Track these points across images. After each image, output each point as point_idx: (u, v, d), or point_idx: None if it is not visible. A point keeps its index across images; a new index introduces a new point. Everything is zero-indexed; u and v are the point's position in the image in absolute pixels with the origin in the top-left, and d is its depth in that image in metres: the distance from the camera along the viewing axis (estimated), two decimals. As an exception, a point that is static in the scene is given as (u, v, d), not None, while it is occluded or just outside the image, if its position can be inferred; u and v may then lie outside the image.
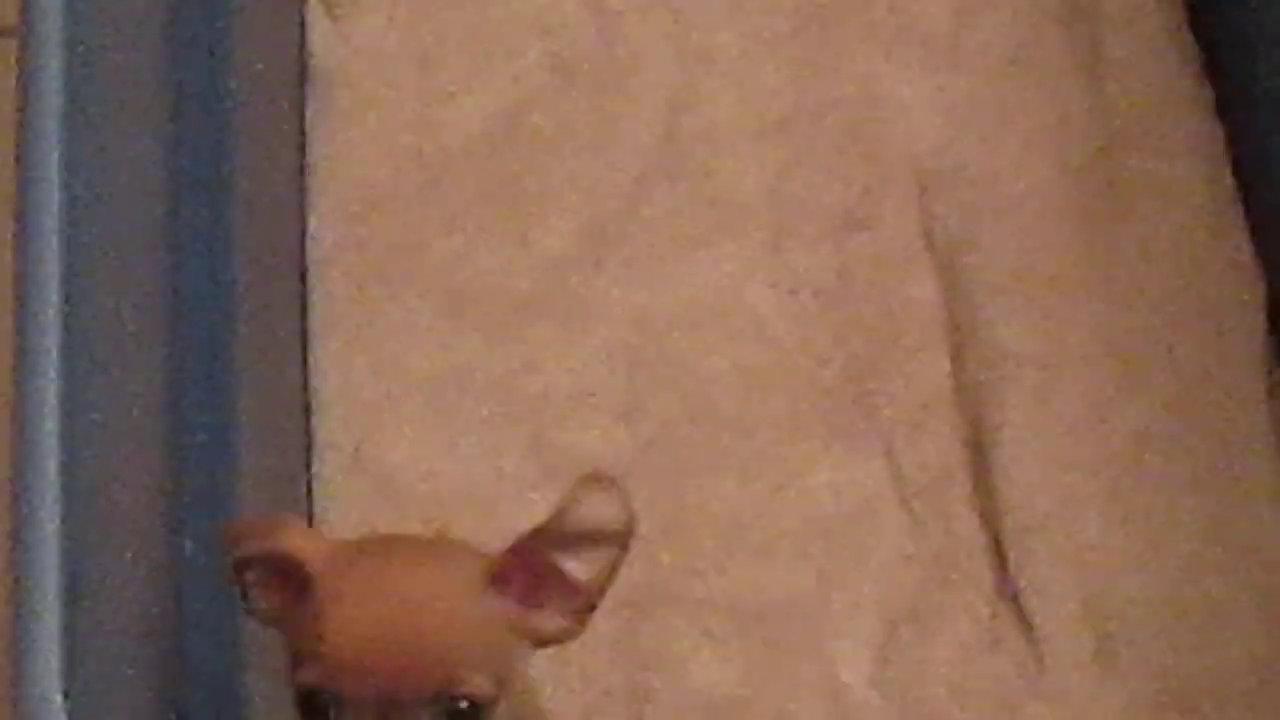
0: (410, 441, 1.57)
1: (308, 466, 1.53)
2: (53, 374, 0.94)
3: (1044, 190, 1.71)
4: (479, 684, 0.93)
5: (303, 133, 1.67)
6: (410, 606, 0.93)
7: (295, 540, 0.96)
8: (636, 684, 1.50)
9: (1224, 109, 1.74)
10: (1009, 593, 1.54)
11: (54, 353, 0.95)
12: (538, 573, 0.96)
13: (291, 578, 0.95)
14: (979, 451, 1.59)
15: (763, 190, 1.70)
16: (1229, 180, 1.71)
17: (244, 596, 0.98)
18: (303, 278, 1.63)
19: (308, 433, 1.53)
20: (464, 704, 0.93)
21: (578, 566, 0.97)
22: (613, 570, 0.97)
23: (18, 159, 0.96)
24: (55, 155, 0.95)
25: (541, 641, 0.98)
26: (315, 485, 1.52)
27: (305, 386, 1.57)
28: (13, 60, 0.98)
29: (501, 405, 1.59)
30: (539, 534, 0.96)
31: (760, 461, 1.58)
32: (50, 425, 0.93)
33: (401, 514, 1.53)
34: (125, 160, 1.09)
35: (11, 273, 0.97)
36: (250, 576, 0.98)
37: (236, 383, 1.28)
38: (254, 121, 1.45)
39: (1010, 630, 1.53)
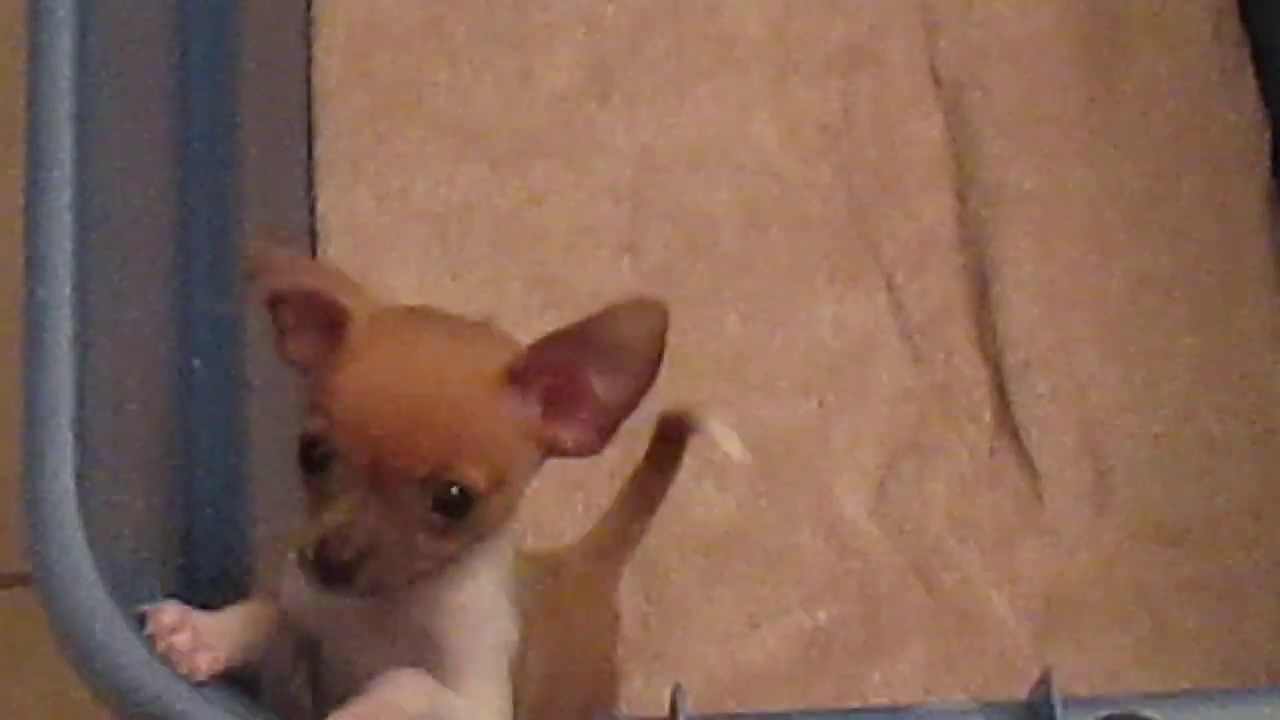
0: (414, 272, 1.58)
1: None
2: (66, 194, 0.96)
3: (1049, 30, 1.71)
4: (473, 475, 0.91)
5: (307, -32, 1.67)
6: (424, 383, 0.91)
7: (347, 289, 0.96)
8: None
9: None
10: (1008, 427, 1.56)
11: (67, 165, 0.96)
12: (562, 378, 0.94)
13: (328, 326, 0.94)
14: (980, 288, 1.61)
15: (766, 26, 1.70)
16: (1235, 22, 1.71)
17: (278, 339, 0.97)
18: (309, 111, 1.63)
19: (313, 261, 1.53)
20: (455, 490, 0.91)
21: (602, 380, 0.94)
22: (636, 395, 0.95)
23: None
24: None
25: (556, 452, 0.96)
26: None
27: (312, 215, 1.58)
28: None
29: (504, 238, 1.59)
30: (568, 335, 0.94)
31: (762, 297, 1.60)
32: (64, 244, 0.96)
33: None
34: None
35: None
36: (288, 319, 0.97)
37: (244, 211, 1.29)
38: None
39: (1009, 464, 1.56)
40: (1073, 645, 1.48)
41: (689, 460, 1.45)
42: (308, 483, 0.92)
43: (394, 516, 0.90)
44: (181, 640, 0.92)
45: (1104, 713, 0.88)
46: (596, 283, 1.55)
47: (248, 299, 0.99)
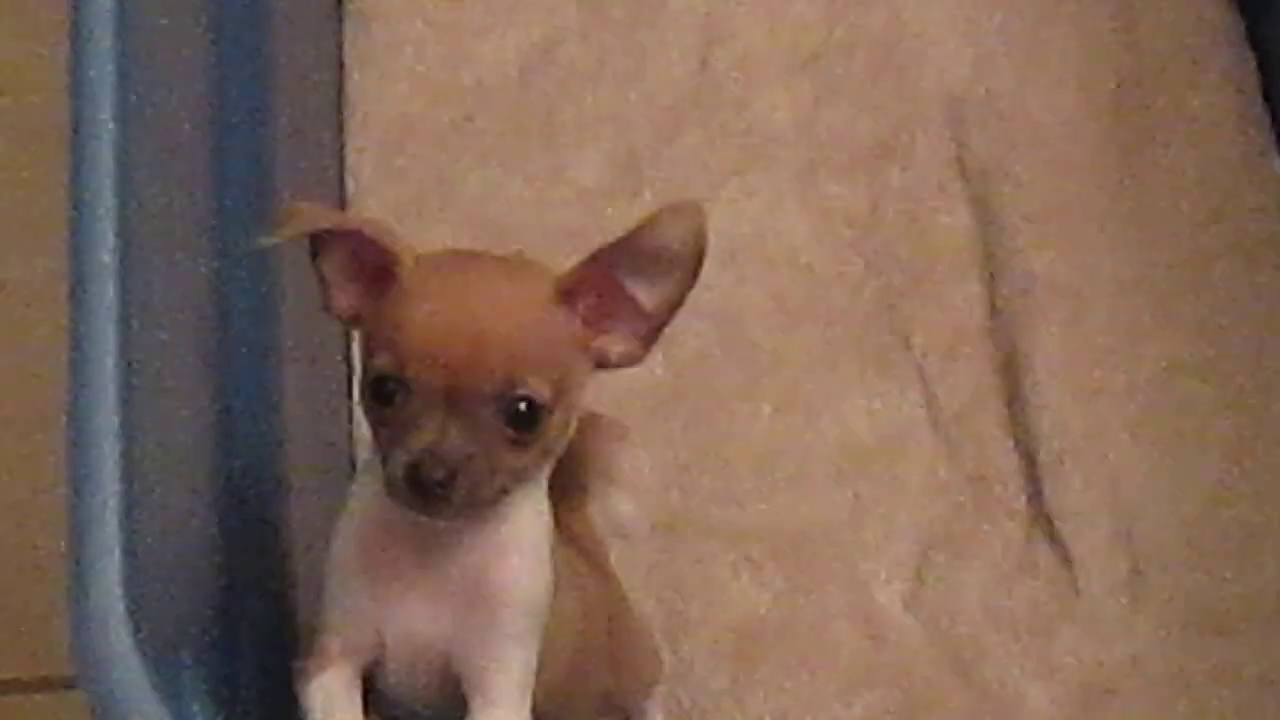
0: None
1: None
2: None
3: (1075, 121, 1.72)
4: (538, 387, 0.96)
5: (341, 68, 1.69)
6: (483, 307, 0.96)
7: (389, 233, 1.00)
8: (673, 612, 1.52)
9: (1255, 37, 1.74)
10: (1042, 518, 1.56)
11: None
12: (606, 294, 0.99)
13: (373, 273, 0.99)
14: (1011, 378, 1.61)
15: (795, 122, 1.71)
16: (1260, 109, 1.72)
17: (324, 294, 1.01)
18: (341, 207, 1.63)
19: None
20: (523, 405, 0.96)
21: (645, 289, 0.99)
22: (679, 296, 0.99)
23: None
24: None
25: (605, 362, 1.01)
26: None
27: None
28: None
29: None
30: (610, 251, 0.98)
31: (794, 390, 1.60)
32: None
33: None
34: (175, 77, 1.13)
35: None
36: (330, 272, 1.01)
37: (280, 326, 1.30)
38: (294, 57, 1.46)
39: (1043, 555, 1.55)
40: (1112, 735, 1.46)
41: (722, 555, 1.52)
42: (379, 418, 0.97)
43: (473, 434, 0.95)
44: None
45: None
46: (629, 380, 1.52)
47: (284, 234, 1.02)
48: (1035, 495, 1.57)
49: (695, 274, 0.99)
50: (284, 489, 1.26)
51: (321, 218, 1.03)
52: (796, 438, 1.58)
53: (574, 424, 1.02)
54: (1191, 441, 1.59)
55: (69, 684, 0.93)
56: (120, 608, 0.91)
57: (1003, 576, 1.54)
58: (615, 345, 1.01)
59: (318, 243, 1.01)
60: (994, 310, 1.63)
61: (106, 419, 0.94)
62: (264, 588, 1.19)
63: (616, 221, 1.53)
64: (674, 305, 1.00)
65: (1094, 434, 1.58)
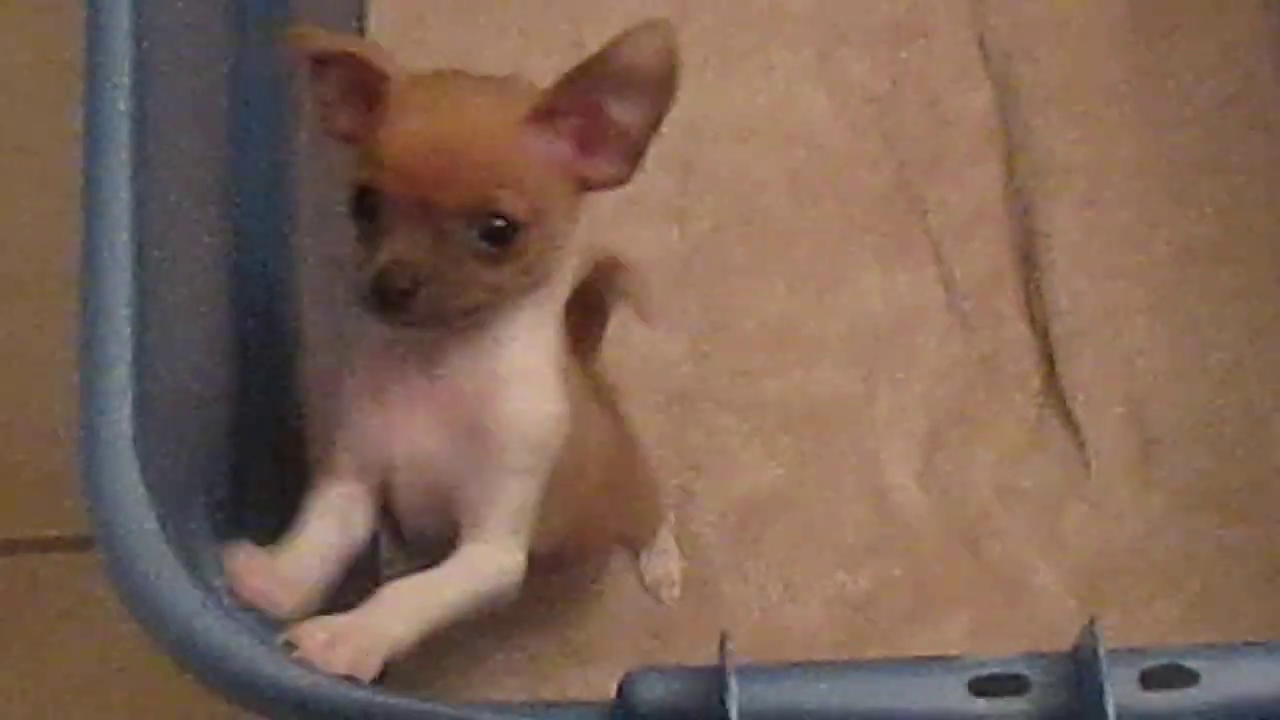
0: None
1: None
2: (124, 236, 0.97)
3: (1096, 1, 1.71)
4: (514, 204, 0.98)
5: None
6: (459, 123, 0.98)
7: (383, 57, 1.02)
8: (683, 482, 1.53)
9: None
10: (1055, 396, 1.57)
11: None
12: (587, 115, 1.01)
13: (367, 94, 1.01)
14: (1028, 258, 1.61)
15: (813, 1, 1.71)
16: (1281, -9, 1.70)
17: (323, 113, 1.04)
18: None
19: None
20: (499, 222, 0.98)
21: (621, 109, 1.00)
22: (656, 116, 1.00)
23: None
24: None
25: (591, 184, 1.03)
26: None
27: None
28: None
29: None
30: (584, 69, 1.00)
31: (809, 266, 1.60)
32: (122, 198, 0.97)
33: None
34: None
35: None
36: (329, 94, 1.03)
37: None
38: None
39: (1056, 433, 1.55)
40: (1118, 612, 1.47)
41: (735, 427, 1.52)
42: (361, 231, 0.99)
43: (443, 248, 0.98)
44: (259, 583, 0.96)
45: (1148, 664, 0.88)
46: (645, 251, 1.54)
47: (291, 58, 1.05)
48: (1048, 374, 1.57)
49: (671, 92, 1.00)
50: (297, 333, 1.26)
51: (322, 39, 1.04)
52: (810, 313, 1.58)
53: (565, 250, 1.04)
54: (1206, 323, 1.58)
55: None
56: (129, 448, 0.91)
57: (1014, 454, 1.54)
58: (599, 168, 1.02)
59: (319, 66, 1.04)
60: (1011, 190, 1.63)
61: (119, 259, 0.94)
62: (278, 430, 1.19)
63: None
64: (652, 124, 1.01)
65: (1109, 314, 1.58)
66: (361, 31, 1.66)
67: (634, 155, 1.02)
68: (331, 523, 1.04)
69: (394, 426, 1.05)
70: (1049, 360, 1.58)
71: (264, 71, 1.20)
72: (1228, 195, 1.63)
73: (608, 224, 1.56)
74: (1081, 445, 1.55)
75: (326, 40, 1.05)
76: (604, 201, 1.53)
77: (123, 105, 0.96)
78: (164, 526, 0.91)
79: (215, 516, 1.02)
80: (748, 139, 1.63)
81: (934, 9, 1.70)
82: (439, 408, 1.04)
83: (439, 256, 0.98)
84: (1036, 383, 1.57)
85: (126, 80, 0.97)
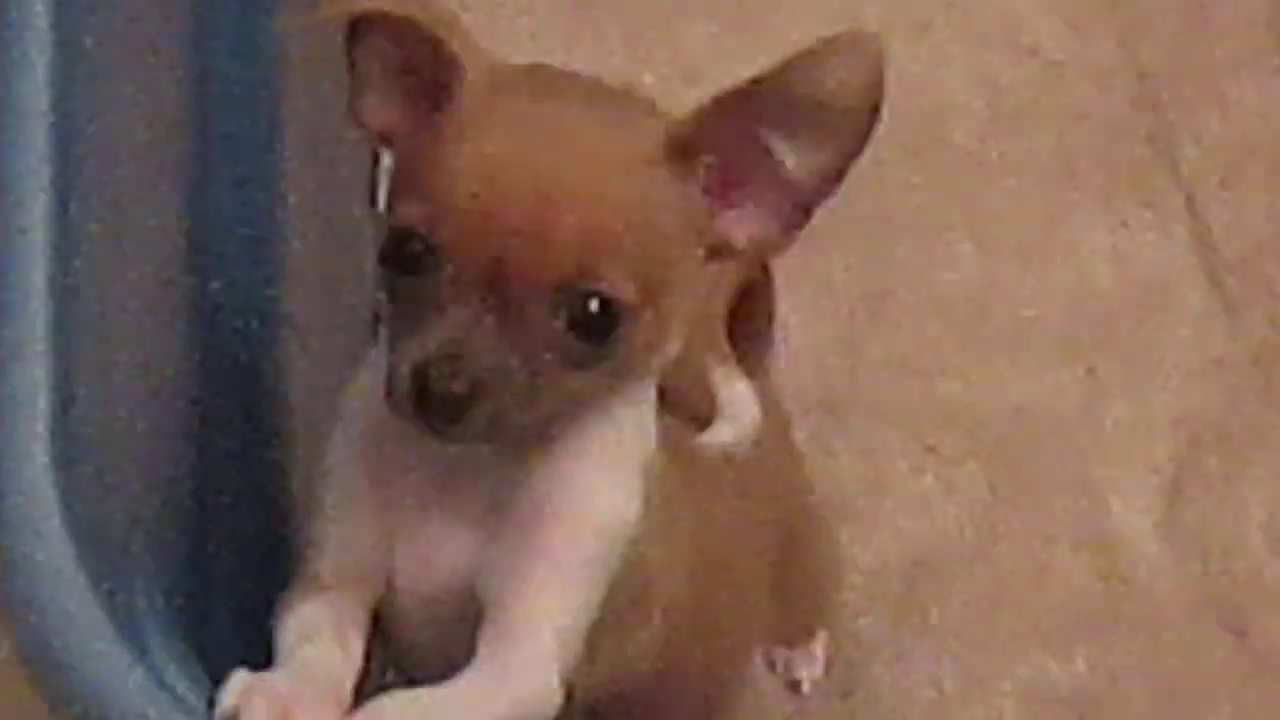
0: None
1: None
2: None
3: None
4: (619, 283, 0.79)
5: None
6: (562, 157, 0.80)
7: (460, 35, 0.84)
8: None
9: None
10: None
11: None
12: (737, 153, 0.81)
13: (429, 86, 0.83)
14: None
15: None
16: None
17: (357, 95, 0.86)
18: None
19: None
20: (594, 304, 0.80)
21: (792, 150, 0.81)
22: (841, 164, 0.81)
23: None
24: None
25: (727, 251, 0.84)
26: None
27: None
28: None
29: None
30: (747, 94, 0.80)
31: (1008, 221, 1.47)
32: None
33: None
34: None
35: None
36: (372, 71, 0.85)
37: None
38: None
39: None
40: None
41: (898, 442, 1.38)
42: (398, 290, 0.83)
43: (517, 338, 0.81)
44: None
45: None
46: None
47: (320, 20, 0.88)
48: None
49: (867, 135, 0.80)
50: (279, 360, 1.13)
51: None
52: (1011, 289, 1.45)
53: (676, 338, 0.86)
54: None
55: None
56: (50, 490, 0.78)
57: (1297, 493, 1.41)
58: (745, 227, 0.83)
59: (360, 30, 0.86)
60: (1297, 119, 1.57)
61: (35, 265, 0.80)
62: (247, 489, 1.06)
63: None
64: (832, 177, 0.82)
65: None
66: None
67: (798, 216, 0.82)
68: (331, 644, 0.89)
69: (398, 524, 0.90)
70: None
71: (242, 71, 1.07)
72: None
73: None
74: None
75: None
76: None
77: (43, 105, 0.83)
78: (95, 583, 0.78)
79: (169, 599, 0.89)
80: (923, 35, 1.51)
81: None
82: (465, 496, 0.89)
83: (508, 350, 0.80)
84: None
85: (42, 77, 0.83)
